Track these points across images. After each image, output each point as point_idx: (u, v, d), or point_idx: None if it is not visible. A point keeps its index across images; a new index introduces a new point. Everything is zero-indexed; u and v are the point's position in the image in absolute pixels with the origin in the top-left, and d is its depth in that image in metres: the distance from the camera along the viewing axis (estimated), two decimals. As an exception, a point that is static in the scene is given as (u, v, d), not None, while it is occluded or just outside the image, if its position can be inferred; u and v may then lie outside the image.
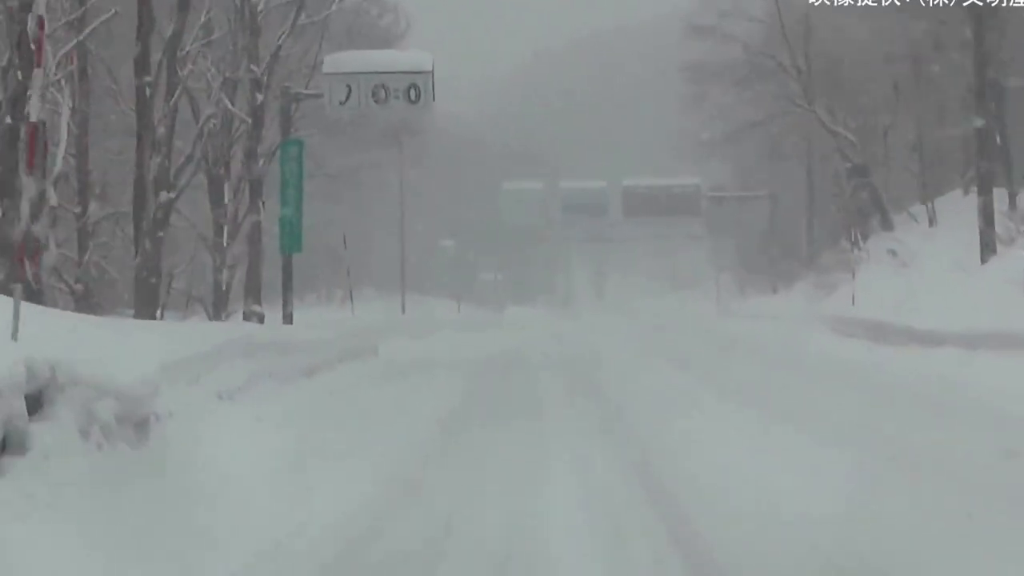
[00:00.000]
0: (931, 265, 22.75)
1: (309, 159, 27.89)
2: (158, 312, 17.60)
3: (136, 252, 16.22)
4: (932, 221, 26.86)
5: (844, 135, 28.98)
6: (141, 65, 16.46)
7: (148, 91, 16.70)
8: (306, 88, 22.00)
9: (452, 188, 70.54)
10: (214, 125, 22.74)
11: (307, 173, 28.21)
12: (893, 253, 24.79)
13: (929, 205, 27.13)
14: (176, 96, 16.05)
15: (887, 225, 29.01)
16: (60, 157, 15.67)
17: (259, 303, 20.18)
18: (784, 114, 30.65)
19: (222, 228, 23.13)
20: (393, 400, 13.80)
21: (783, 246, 45.74)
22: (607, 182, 68.06)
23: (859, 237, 26.45)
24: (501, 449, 9.77)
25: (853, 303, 23.54)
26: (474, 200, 71.92)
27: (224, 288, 22.33)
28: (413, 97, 20.10)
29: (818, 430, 10.42)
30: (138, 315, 15.97)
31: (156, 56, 16.88)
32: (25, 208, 8.91)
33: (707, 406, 12.77)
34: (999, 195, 21.79)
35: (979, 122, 21.04)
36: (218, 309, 22.69)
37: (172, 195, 15.97)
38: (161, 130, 15.96)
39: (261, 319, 19.94)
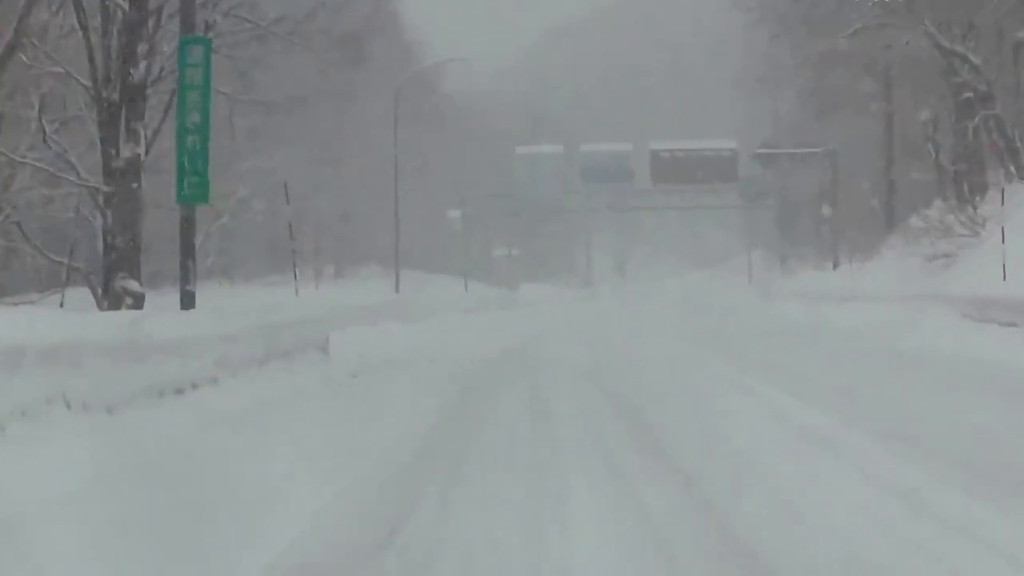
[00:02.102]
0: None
1: (248, 86, 21.22)
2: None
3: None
4: (1092, 167, 19.90)
5: (964, 54, 21.90)
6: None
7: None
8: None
9: (462, 154, 63.57)
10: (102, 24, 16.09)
11: (248, 108, 21.64)
12: (1054, 208, 17.90)
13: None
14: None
15: (1021, 172, 21.92)
16: None
17: (136, 278, 13.44)
18: (876, 30, 23.44)
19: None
20: (301, 458, 7.01)
21: (847, 211, 38.58)
22: (632, 145, 61.09)
23: (982, 191, 19.55)
24: None
25: (1005, 278, 16.70)
26: (486, 167, 65.22)
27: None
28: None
29: None
30: None
31: None
32: None
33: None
34: None
35: None
36: (109, 285, 15.99)
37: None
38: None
39: (139, 301, 13.25)
